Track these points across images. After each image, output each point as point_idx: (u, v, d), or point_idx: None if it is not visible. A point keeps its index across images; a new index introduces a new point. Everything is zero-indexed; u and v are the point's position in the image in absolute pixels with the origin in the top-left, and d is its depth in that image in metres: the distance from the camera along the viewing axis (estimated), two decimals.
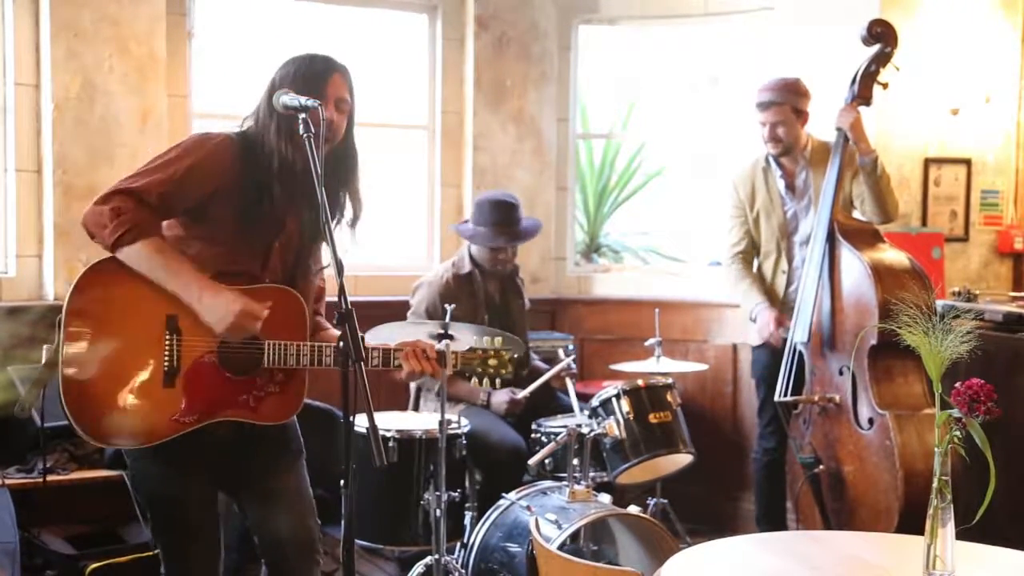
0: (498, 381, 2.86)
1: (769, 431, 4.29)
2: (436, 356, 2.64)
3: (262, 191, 2.48)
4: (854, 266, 3.75)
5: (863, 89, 3.94)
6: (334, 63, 2.56)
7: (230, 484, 2.64)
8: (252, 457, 2.57)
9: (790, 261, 4.25)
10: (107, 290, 2.41)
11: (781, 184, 4.28)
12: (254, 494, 2.65)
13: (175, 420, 2.44)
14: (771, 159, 4.30)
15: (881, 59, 3.93)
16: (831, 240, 3.85)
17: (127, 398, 2.40)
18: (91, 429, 2.40)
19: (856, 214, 4.13)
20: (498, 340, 2.97)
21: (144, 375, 2.41)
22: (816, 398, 3.84)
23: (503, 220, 4.25)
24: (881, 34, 3.92)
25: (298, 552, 2.67)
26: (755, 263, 4.38)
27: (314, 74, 2.51)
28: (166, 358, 2.42)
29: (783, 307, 4.18)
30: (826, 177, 3.98)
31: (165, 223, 2.46)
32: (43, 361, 2.45)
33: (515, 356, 2.94)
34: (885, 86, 3.98)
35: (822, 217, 3.91)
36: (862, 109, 3.97)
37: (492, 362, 2.88)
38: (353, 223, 2.64)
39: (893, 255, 3.79)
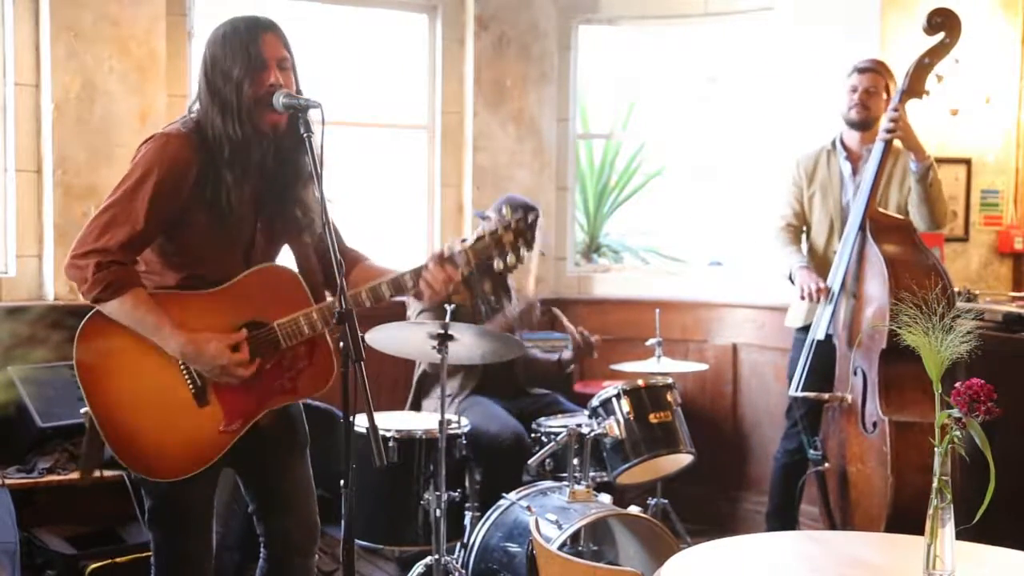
0: (523, 252, 2.55)
1: (795, 432, 4.18)
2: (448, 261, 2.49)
3: (221, 180, 2.41)
4: (875, 265, 3.66)
5: (914, 82, 3.76)
6: (260, 23, 2.44)
7: (239, 464, 2.62)
8: (262, 441, 2.55)
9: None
10: (110, 337, 2.39)
11: (846, 166, 4.15)
12: (261, 485, 2.66)
13: (223, 432, 2.46)
14: (838, 143, 4.18)
15: (938, 50, 3.73)
16: (862, 236, 3.75)
17: (174, 434, 2.41)
18: (160, 473, 2.43)
19: None
20: (506, 212, 2.63)
21: (178, 405, 2.42)
22: (827, 396, 3.80)
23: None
24: (942, 23, 3.72)
25: (300, 545, 2.69)
26: (802, 242, 4.27)
27: (244, 42, 2.40)
28: (188, 381, 2.43)
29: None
30: (864, 176, 3.87)
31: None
32: (87, 425, 2.45)
33: (526, 217, 2.59)
34: (940, 79, 3.77)
35: (856, 213, 3.81)
36: (914, 103, 3.81)
37: (507, 237, 2.56)
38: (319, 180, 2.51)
39: (916, 255, 3.67)
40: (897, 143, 3.87)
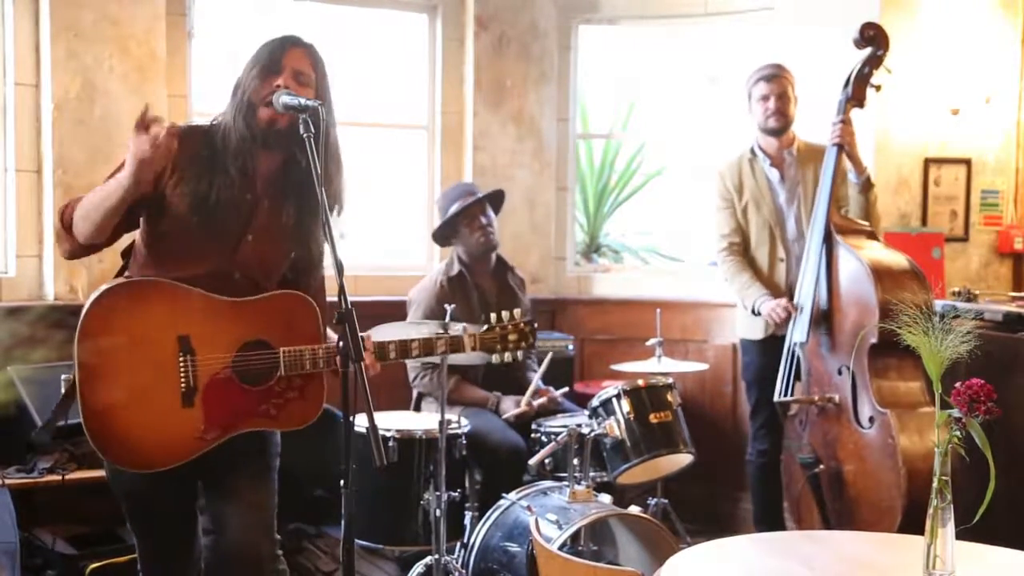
0: (520, 354, 2.96)
1: (762, 433, 4.30)
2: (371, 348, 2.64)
3: (215, 176, 2.47)
4: (852, 266, 3.76)
5: (857, 91, 3.97)
6: (292, 39, 2.57)
7: (200, 473, 2.56)
8: (224, 449, 2.50)
9: (787, 249, 4.22)
10: (116, 319, 2.39)
11: (773, 172, 4.26)
12: (213, 486, 2.58)
13: (198, 439, 2.44)
14: (757, 149, 4.29)
15: (873, 62, 3.96)
16: (828, 241, 3.85)
17: (149, 424, 2.40)
18: (120, 460, 2.42)
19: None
20: (517, 312, 3.01)
21: (163, 399, 2.41)
22: (815, 398, 3.85)
23: (468, 190, 4.36)
24: (873, 37, 3.95)
25: (240, 566, 2.55)
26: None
27: (271, 50, 2.53)
28: (183, 379, 2.42)
29: (788, 297, 4.13)
30: (820, 183, 3.97)
31: (137, 233, 2.52)
32: (63, 392, 2.45)
33: (533, 322, 3.00)
34: (878, 88, 4.01)
35: (817, 219, 3.91)
36: (857, 112, 3.99)
37: (512, 336, 2.96)
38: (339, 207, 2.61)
39: (891, 255, 3.81)
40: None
